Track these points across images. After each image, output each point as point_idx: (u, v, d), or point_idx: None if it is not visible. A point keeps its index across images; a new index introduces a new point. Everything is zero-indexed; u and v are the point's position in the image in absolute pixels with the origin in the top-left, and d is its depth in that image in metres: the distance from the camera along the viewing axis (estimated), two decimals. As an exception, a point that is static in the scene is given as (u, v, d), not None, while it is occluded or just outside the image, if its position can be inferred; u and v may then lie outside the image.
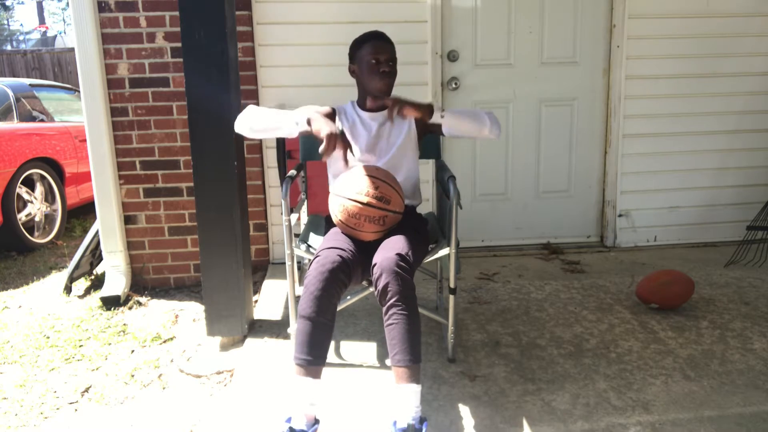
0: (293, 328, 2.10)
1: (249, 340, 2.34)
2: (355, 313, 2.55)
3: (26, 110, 4.45)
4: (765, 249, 3.16)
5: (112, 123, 2.97)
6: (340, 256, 1.71)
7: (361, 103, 2.10)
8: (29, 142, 4.16)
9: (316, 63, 3.06)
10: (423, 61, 3.12)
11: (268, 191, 3.18)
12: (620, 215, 3.43)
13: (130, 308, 2.90)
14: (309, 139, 2.28)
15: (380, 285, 1.65)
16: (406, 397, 1.61)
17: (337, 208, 1.85)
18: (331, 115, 2.07)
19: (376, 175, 1.85)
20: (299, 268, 2.58)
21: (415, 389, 1.62)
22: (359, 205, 1.80)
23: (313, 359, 1.65)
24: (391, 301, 1.64)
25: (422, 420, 1.61)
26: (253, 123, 1.93)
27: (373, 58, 1.98)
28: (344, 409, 1.84)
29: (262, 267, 3.23)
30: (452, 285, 2.02)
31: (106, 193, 2.98)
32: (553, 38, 3.25)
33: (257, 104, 3.05)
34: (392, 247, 1.71)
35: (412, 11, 3.08)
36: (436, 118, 1.94)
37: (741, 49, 3.30)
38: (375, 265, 1.68)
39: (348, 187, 1.83)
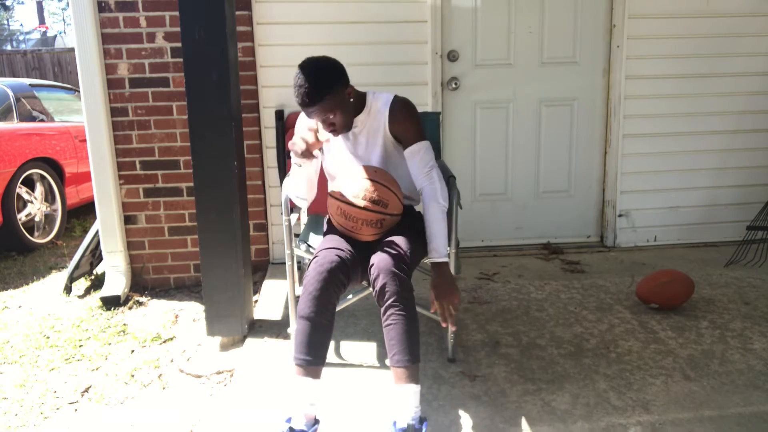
0: (293, 328, 2.10)
1: (249, 340, 2.34)
2: (355, 313, 2.55)
3: (26, 110, 4.45)
4: (765, 249, 3.16)
5: (112, 123, 2.97)
6: (339, 257, 1.71)
7: None
8: (29, 142, 4.16)
9: (316, 63, 3.06)
10: (423, 61, 3.12)
11: (268, 191, 3.18)
12: (620, 215, 3.43)
13: (130, 308, 2.90)
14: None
15: (377, 286, 1.65)
16: (405, 398, 1.62)
17: (334, 211, 1.84)
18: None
19: (374, 177, 1.81)
20: (299, 268, 2.58)
21: (414, 389, 1.62)
22: (356, 209, 1.78)
23: (313, 359, 1.65)
24: (389, 301, 1.64)
25: (422, 420, 1.62)
26: (296, 191, 1.95)
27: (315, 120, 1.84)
28: (344, 409, 1.84)
29: (262, 267, 3.23)
30: (452, 285, 2.02)
31: (106, 193, 2.98)
32: (553, 38, 3.25)
33: (257, 104, 3.05)
34: (390, 248, 1.71)
35: (412, 11, 3.08)
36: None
37: (741, 49, 3.30)
38: (372, 265, 1.68)
39: (345, 190, 1.81)
